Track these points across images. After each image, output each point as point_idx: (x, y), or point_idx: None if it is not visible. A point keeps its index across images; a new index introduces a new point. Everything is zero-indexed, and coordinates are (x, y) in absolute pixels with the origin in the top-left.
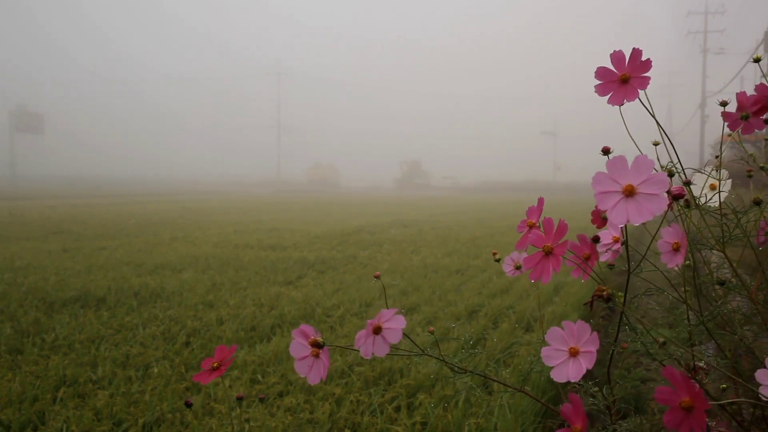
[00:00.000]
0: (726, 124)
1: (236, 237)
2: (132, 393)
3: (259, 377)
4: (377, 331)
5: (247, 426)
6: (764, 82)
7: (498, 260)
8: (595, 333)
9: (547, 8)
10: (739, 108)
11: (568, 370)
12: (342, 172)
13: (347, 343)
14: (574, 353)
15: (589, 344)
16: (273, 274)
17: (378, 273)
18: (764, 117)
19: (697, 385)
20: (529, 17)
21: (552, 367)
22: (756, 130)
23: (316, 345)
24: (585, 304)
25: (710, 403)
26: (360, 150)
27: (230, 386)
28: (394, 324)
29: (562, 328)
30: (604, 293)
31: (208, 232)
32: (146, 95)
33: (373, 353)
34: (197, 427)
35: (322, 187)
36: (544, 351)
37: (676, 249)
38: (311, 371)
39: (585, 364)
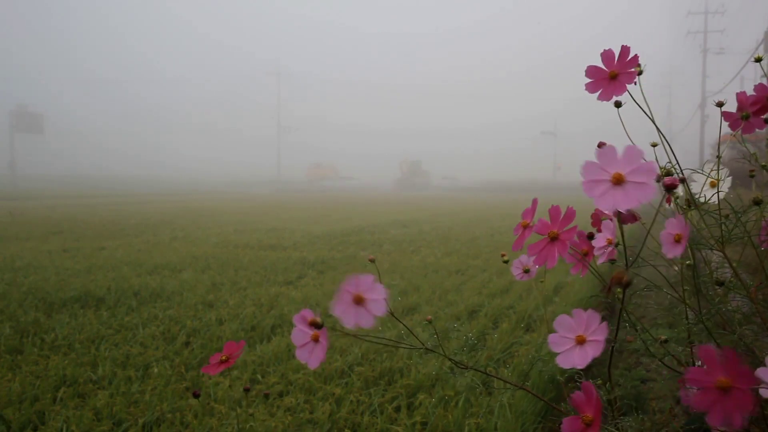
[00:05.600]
0: (727, 123)
1: (236, 237)
2: (132, 393)
3: (259, 377)
4: (359, 301)
5: (247, 425)
6: (764, 81)
7: (506, 261)
8: (604, 323)
9: (547, 7)
10: (740, 108)
11: (574, 357)
12: (342, 172)
13: (348, 342)
14: (581, 341)
15: (597, 333)
16: (273, 274)
17: (372, 257)
18: (764, 117)
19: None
20: (528, 17)
21: (557, 363)
22: (756, 130)
23: (315, 325)
24: (602, 290)
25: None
26: (360, 150)
27: (230, 386)
28: (376, 294)
29: (572, 316)
30: (623, 279)
31: (208, 232)
32: (146, 95)
33: (356, 324)
34: (197, 427)
35: (323, 187)
36: (551, 338)
37: (677, 240)
38: (311, 356)
39: (591, 352)
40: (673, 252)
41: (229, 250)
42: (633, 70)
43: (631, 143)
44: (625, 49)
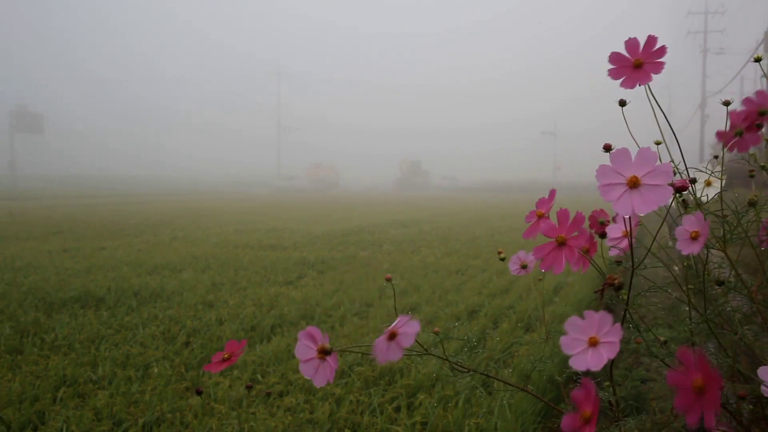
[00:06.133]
0: (721, 143)
1: (236, 237)
2: (132, 393)
3: (259, 377)
4: (392, 337)
5: (247, 426)
6: (764, 81)
7: (503, 259)
8: (617, 324)
9: (547, 7)
10: (732, 126)
11: (587, 359)
12: (342, 172)
13: (347, 342)
14: (593, 343)
15: (611, 335)
16: (273, 274)
17: (389, 276)
18: (756, 123)
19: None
20: (528, 17)
21: (571, 365)
22: (751, 147)
23: (324, 352)
24: (596, 292)
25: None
26: (360, 150)
27: (230, 386)
28: (408, 329)
29: (583, 318)
30: (616, 281)
31: (208, 232)
32: (146, 95)
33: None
34: (197, 427)
35: (322, 187)
36: (563, 339)
37: (694, 237)
38: (317, 373)
39: (606, 354)
40: (690, 249)
41: (229, 250)
42: (660, 60)
43: (634, 142)
44: (651, 39)
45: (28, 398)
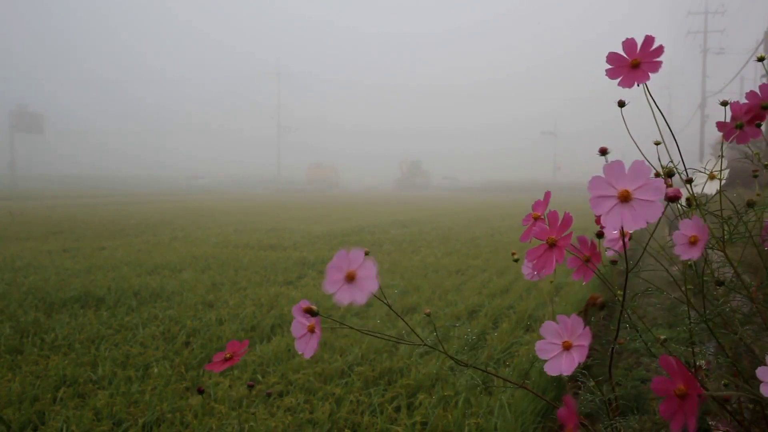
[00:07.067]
0: (722, 134)
1: (236, 237)
2: (132, 393)
3: (259, 377)
4: (351, 278)
5: (247, 426)
6: (765, 81)
7: (516, 260)
8: (587, 328)
9: (547, 8)
10: (733, 118)
11: (561, 364)
12: (342, 172)
13: (348, 342)
14: (567, 347)
15: (582, 338)
16: (273, 274)
17: (366, 249)
18: (757, 123)
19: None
20: (528, 17)
21: (545, 370)
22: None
23: (310, 312)
24: (579, 313)
25: (707, 395)
26: (360, 150)
27: (230, 386)
28: (367, 271)
29: (557, 323)
30: (597, 301)
31: (208, 232)
32: (146, 95)
33: (351, 301)
34: (197, 427)
35: (322, 187)
36: (539, 345)
37: (693, 242)
38: (307, 346)
39: (577, 357)
40: (689, 254)
41: (229, 250)
42: (657, 59)
43: (633, 143)
44: (648, 39)
45: (28, 398)
